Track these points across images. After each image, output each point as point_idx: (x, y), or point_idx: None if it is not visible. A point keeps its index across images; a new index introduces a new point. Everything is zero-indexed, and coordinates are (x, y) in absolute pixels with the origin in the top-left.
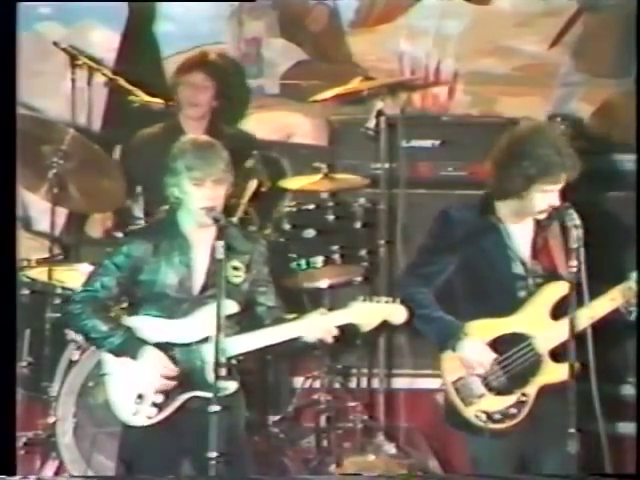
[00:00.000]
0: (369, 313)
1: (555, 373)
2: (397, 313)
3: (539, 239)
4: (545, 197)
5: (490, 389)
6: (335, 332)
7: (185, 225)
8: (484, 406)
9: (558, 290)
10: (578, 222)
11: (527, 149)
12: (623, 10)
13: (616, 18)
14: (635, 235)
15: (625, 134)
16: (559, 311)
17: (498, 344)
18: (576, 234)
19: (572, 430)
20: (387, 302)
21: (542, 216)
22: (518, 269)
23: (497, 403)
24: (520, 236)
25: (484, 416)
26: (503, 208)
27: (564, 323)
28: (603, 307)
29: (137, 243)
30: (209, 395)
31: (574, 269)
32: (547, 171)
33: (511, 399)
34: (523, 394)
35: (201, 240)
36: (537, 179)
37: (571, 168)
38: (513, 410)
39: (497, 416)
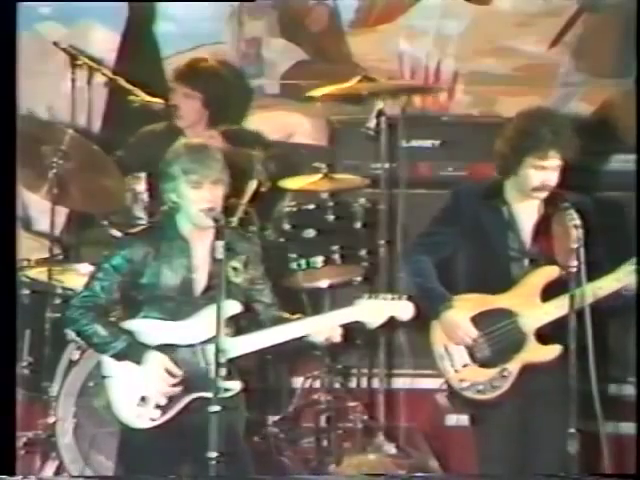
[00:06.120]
0: (375, 310)
1: (539, 353)
2: (404, 309)
3: (543, 225)
4: (538, 174)
5: (474, 360)
6: (340, 332)
7: (184, 227)
8: (468, 375)
9: (550, 273)
10: (578, 222)
11: (525, 125)
12: (623, 10)
13: (616, 18)
14: (635, 235)
15: (625, 134)
16: (549, 293)
17: (484, 318)
18: (576, 234)
19: (572, 430)
20: (393, 299)
21: (537, 194)
22: (515, 251)
23: (480, 374)
24: (524, 220)
25: (467, 384)
26: (509, 189)
27: (552, 305)
28: (607, 286)
29: (135, 246)
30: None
31: (574, 269)
32: (537, 146)
33: (494, 372)
34: (505, 369)
35: (200, 241)
36: (528, 153)
37: (565, 147)
38: (496, 383)
39: (480, 387)
